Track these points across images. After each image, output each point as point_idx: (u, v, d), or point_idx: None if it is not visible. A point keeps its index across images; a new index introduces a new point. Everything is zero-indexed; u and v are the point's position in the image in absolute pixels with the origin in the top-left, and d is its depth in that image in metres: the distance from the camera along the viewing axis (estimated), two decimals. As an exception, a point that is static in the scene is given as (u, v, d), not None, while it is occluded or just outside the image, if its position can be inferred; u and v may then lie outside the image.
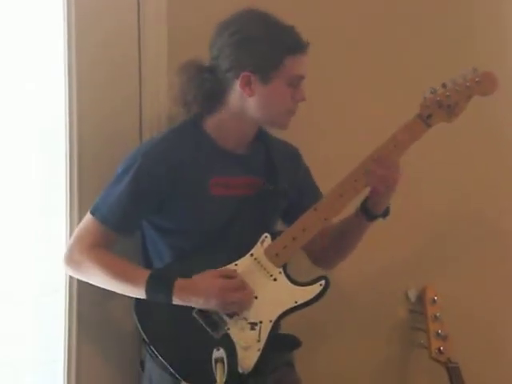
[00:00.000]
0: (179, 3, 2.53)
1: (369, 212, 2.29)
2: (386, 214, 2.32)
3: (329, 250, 2.43)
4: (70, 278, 2.42)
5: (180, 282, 2.17)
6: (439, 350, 2.70)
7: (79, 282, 2.40)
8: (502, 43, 2.99)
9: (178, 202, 2.24)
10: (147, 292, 2.17)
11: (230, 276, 2.19)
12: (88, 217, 2.27)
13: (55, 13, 2.41)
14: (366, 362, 2.83)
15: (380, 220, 2.31)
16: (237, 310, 2.18)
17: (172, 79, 2.39)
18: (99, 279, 2.24)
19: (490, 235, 2.96)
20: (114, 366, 2.52)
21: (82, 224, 2.29)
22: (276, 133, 2.43)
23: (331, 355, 2.77)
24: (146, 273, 2.19)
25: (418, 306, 2.82)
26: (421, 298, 2.81)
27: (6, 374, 2.41)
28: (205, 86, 2.25)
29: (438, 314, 2.74)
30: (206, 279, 2.18)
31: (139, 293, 2.18)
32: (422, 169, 2.76)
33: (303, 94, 2.25)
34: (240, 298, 2.17)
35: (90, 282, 2.27)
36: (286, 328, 2.30)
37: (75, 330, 2.45)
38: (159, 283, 2.18)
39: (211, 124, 2.30)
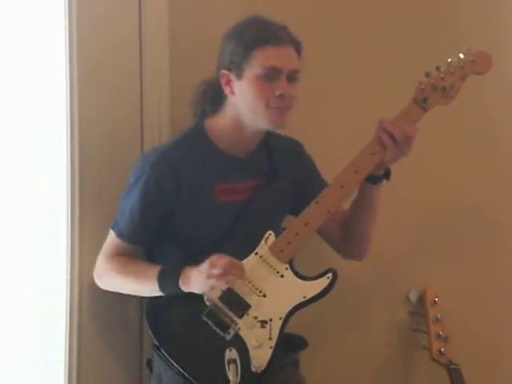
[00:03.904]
0: (181, 13, 2.54)
1: (370, 176, 2.27)
2: (388, 174, 2.32)
3: (350, 234, 2.41)
4: (72, 278, 2.42)
5: (186, 270, 2.17)
6: (440, 351, 2.70)
7: (80, 282, 2.41)
8: (499, 35, 3.00)
9: (185, 209, 2.24)
10: (159, 284, 2.17)
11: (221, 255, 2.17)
12: (110, 232, 2.31)
13: (57, 21, 2.43)
14: (367, 364, 2.83)
15: (388, 192, 2.32)
16: (223, 279, 2.11)
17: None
18: (118, 285, 2.29)
19: (491, 237, 2.97)
20: (116, 366, 2.51)
21: (107, 239, 2.32)
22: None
23: (332, 356, 2.77)
24: (158, 268, 2.20)
25: (419, 308, 2.82)
26: (422, 299, 2.81)
27: (6, 374, 2.41)
28: (207, 94, 2.31)
29: (438, 316, 2.74)
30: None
31: (154, 288, 2.19)
32: (423, 171, 2.77)
33: (283, 87, 2.19)
34: (225, 264, 2.11)
35: (116, 290, 2.31)
36: (287, 328, 2.27)
37: (76, 330, 2.44)
38: (169, 274, 2.18)
39: (215, 131, 2.30)
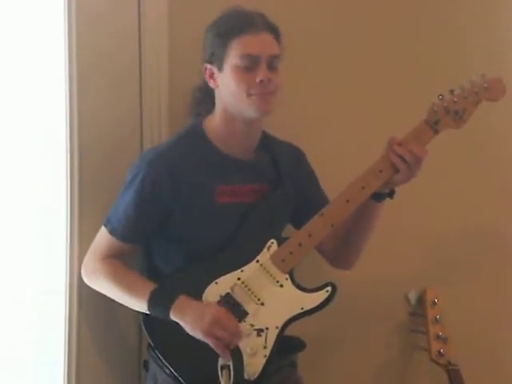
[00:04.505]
0: (180, 9, 2.53)
1: (374, 193, 2.27)
2: (392, 192, 2.32)
3: (343, 246, 2.41)
4: (71, 278, 2.42)
5: (181, 301, 2.16)
6: (439, 352, 2.70)
7: (80, 282, 2.40)
8: (504, 48, 3.00)
9: (184, 210, 2.23)
10: (148, 305, 2.17)
11: (230, 318, 2.16)
12: (102, 228, 2.29)
13: (56, 19, 2.41)
14: (367, 365, 2.83)
15: (388, 200, 2.32)
16: (215, 345, 2.12)
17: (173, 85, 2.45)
18: (108, 290, 2.27)
19: (490, 238, 2.97)
20: (114, 367, 2.52)
21: (97, 235, 2.30)
22: (279, 134, 2.44)
23: (331, 357, 2.77)
24: (151, 286, 2.19)
25: (419, 309, 2.82)
26: (421, 300, 2.81)
27: (6, 374, 2.41)
28: (200, 96, 2.35)
29: (438, 317, 2.74)
30: (206, 306, 2.17)
31: (142, 306, 2.19)
32: (423, 173, 2.74)
33: (264, 74, 2.18)
34: (224, 336, 2.12)
35: (103, 292, 2.29)
36: (287, 330, 2.27)
37: (75, 331, 2.44)
38: (161, 297, 2.18)
39: (211, 130, 2.30)
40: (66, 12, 2.40)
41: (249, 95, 2.19)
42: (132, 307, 2.25)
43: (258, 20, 2.21)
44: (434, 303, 2.77)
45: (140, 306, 2.20)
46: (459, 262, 2.91)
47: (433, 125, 2.23)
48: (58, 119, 2.42)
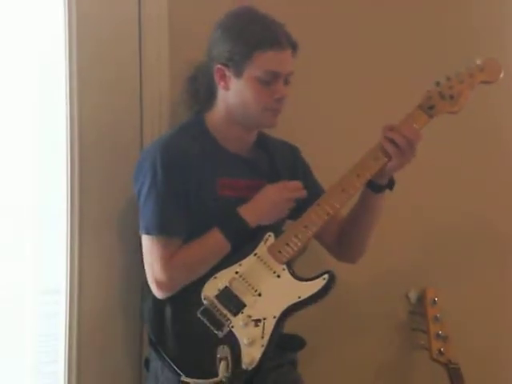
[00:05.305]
0: (180, 6, 2.54)
1: (373, 184, 2.28)
2: (391, 184, 2.32)
3: (347, 240, 2.42)
4: (71, 277, 2.42)
5: (243, 209, 2.22)
6: (440, 351, 2.70)
7: (80, 281, 2.41)
8: (503, 40, 3.02)
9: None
10: (228, 239, 2.21)
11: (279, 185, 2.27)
12: (145, 239, 2.24)
13: (56, 16, 2.43)
14: (367, 364, 2.83)
15: (388, 192, 2.31)
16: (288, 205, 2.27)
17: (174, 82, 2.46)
18: (196, 273, 2.22)
19: (490, 237, 2.98)
20: (115, 366, 2.51)
21: (145, 251, 2.25)
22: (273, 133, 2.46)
23: (332, 356, 2.77)
24: (215, 229, 2.21)
25: (419, 308, 2.82)
26: (421, 299, 2.81)
27: (6, 374, 2.41)
28: (199, 85, 2.34)
29: (438, 315, 2.74)
30: (263, 193, 2.25)
31: (225, 246, 2.22)
32: (423, 171, 2.75)
33: (282, 91, 2.23)
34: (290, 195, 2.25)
35: (194, 277, 2.22)
36: (287, 329, 2.29)
37: (76, 331, 2.44)
38: (230, 224, 2.21)
39: (212, 124, 2.32)
40: (66, 7, 2.41)
41: (264, 110, 2.23)
42: (221, 257, 2.23)
43: (282, 36, 2.23)
44: (434, 302, 2.77)
45: (224, 247, 2.22)
46: (459, 262, 2.92)
47: (427, 110, 2.23)
48: (59, 117, 2.43)
